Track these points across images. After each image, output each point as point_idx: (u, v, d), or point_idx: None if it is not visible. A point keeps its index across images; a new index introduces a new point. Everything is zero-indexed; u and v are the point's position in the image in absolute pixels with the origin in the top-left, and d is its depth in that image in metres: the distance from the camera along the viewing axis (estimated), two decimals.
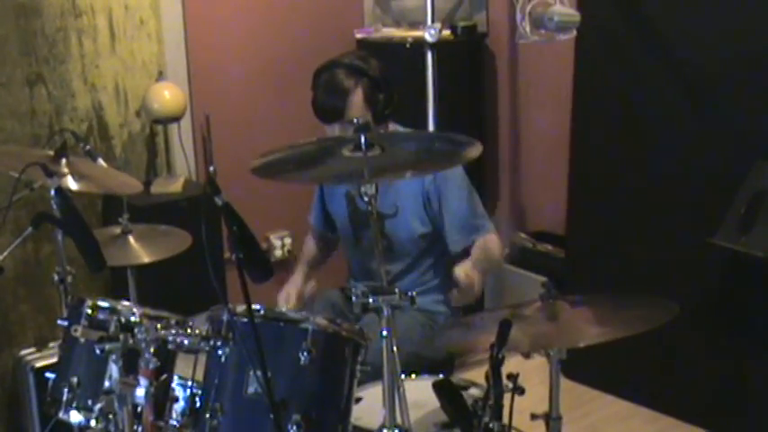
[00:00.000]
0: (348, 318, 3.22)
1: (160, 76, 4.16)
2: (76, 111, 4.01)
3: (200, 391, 2.37)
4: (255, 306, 2.20)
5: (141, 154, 4.21)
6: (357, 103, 2.96)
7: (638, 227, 4.01)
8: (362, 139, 2.12)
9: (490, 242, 3.14)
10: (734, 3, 3.61)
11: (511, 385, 2.13)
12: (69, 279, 2.82)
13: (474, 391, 2.60)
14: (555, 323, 2.31)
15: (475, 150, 2.26)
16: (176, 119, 4.07)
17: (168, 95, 4.01)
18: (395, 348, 2.09)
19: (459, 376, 2.84)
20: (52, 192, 2.52)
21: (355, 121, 2.25)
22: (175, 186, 4.11)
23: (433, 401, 2.33)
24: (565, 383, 2.36)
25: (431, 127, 4.07)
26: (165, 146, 4.23)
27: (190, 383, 2.42)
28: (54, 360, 3.38)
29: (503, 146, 4.94)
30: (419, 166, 2.38)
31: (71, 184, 2.78)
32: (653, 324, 2.20)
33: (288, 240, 4.69)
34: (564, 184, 4.31)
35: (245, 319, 2.17)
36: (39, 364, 3.72)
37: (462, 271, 2.85)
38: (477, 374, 2.33)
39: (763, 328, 3.63)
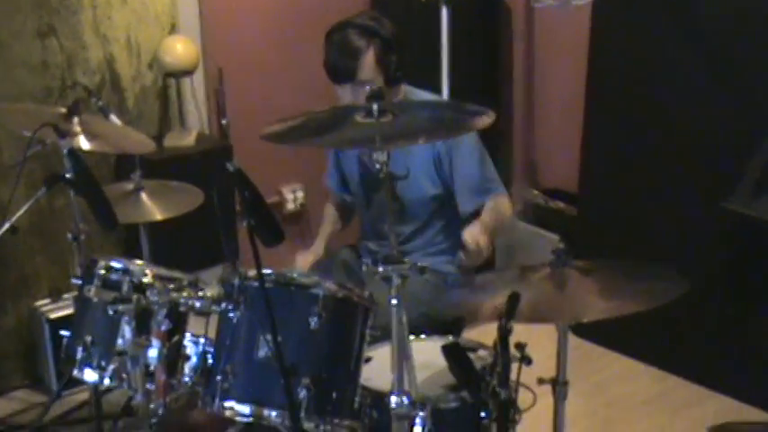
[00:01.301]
0: (359, 276, 3.26)
1: (173, 28, 4.15)
2: (88, 63, 3.99)
3: (211, 349, 2.40)
4: (266, 270, 2.22)
5: (154, 107, 4.20)
6: (369, 64, 2.95)
7: (650, 187, 4.00)
8: (375, 107, 2.11)
9: (500, 204, 3.15)
10: None
11: (519, 355, 2.14)
12: (83, 237, 2.85)
13: (482, 353, 2.61)
14: (563, 292, 2.32)
15: (487, 119, 2.24)
16: (189, 72, 4.06)
17: (181, 49, 4.00)
18: (404, 318, 2.10)
19: (468, 337, 2.85)
20: (65, 152, 2.52)
21: (368, 87, 2.24)
22: (188, 140, 4.12)
23: (441, 363, 2.34)
24: (573, 340, 2.38)
25: (445, 86, 4.06)
26: (178, 99, 4.22)
27: (202, 341, 2.46)
28: (68, 311, 3.45)
29: (517, 102, 4.91)
30: (431, 133, 2.38)
31: (83, 143, 2.79)
32: (661, 301, 2.21)
33: (300, 194, 4.69)
34: (578, 141, 4.29)
35: (256, 284, 2.20)
36: (53, 316, 3.78)
37: (470, 235, 2.86)
38: (487, 335, 2.34)
39: (766, 293, 3.64)
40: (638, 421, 3.70)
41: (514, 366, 2.17)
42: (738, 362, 3.77)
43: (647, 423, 3.69)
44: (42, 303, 3.88)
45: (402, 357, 2.13)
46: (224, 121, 4.35)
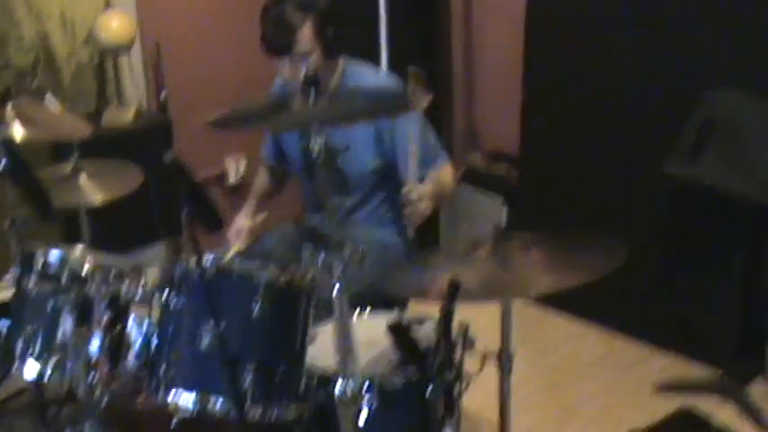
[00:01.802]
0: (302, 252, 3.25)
1: (107, 5, 4.08)
2: (22, 41, 3.93)
3: (155, 332, 2.38)
4: (207, 257, 2.21)
5: (90, 84, 4.15)
6: (306, 38, 2.93)
7: (590, 150, 4.04)
8: (312, 94, 2.10)
9: (443, 174, 3.15)
10: None
11: (462, 337, 2.16)
12: (20, 223, 2.80)
13: (429, 326, 2.62)
14: (505, 269, 2.33)
15: (424, 101, 2.23)
16: (125, 48, 4.01)
17: (116, 25, 3.95)
18: (346, 307, 2.10)
19: (414, 309, 2.86)
20: None
21: (306, 61, 2.23)
22: (126, 116, 4.08)
23: (386, 340, 2.36)
24: (516, 303, 2.39)
25: (383, 53, 4.04)
26: (115, 75, 4.17)
27: (146, 323, 2.43)
28: (7, 293, 3.40)
29: (456, 65, 4.91)
30: (368, 115, 2.37)
31: (17, 132, 2.74)
32: (603, 272, 2.23)
33: (242, 163, 4.65)
34: (518, 104, 4.30)
35: (198, 272, 2.19)
36: None
37: (410, 187, 2.87)
38: (433, 307, 2.36)
39: (707, 253, 3.70)
40: (584, 382, 3.76)
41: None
42: (682, 319, 3.84)
43: (593, 384, 3.74)
44: None
45: (346, 344, 2.13)
46: (162, 95, 4.30)
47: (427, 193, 2.92)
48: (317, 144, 2.15)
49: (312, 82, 2.17)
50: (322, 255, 2.08)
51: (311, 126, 2.15)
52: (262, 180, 3.48)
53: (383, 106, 2.36)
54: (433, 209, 3.01)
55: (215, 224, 2.22)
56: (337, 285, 2.10)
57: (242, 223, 3.26)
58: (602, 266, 2.28)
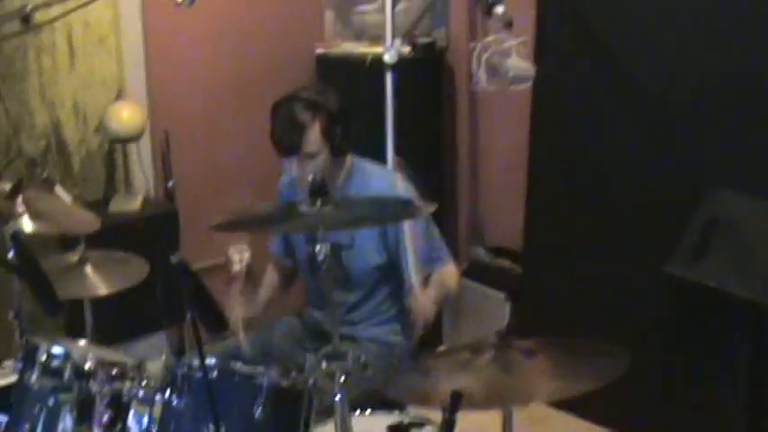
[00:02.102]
0: (305, 347, 3.27)
1: (119, 94, 4.15)
2: (34, 128, 3.99)
3: (155, 428, 2.38)
4: (210, 360, 2.23)
5: (99, 171, 4.20)
6: (314, 138, 2.97)
7: (593, 248, 4.05)
8: (318, 202, 2.14)
9: (447, 274, 3.18)
10: (687, 36, 3.64)
11: None
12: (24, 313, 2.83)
13: (429, 429, 2.62)
14: (508, 375, 2.33)
15: (429, 208, 2.27)
16: (135, 139, 4.06)
17: (126, 115, 4.00)
18: (348, 416, 2.11)
19: (415, 412, 2.85)
20: (8, 237, 2.51)
21: (311, 177, 2.27)
22: (134, 204, 4.11)
23: None
24: None
25: (389, 148, 4.07)
26: (124, 162, 4.21)
27: (146, 420, 2.43)
28: (8, 380, 3.40)
29: (462, 161, 4.96)
30: (373, 220, 2.40)
31: (27, 225, 2.77)
32: (606, 379, 2.24)
33: (246, 254, 4.67)
34: (522, 201, 4.34)
35: (200, 373, 2.20)
36: None
37: (417, 307, 2.89)
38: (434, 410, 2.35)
39: (712, 354, 3.69)
40: None
41: None
42: (685, 421, 3.81)
43: None
44: None
45: None
46: (170, 184, 4.34)
47: (431, 300, 2.95)
48: (322, 249, 2.18)
49: (319, 188, 2.20)
50: (324, 363, 2.09)
51: (317, 232, 2.18)
52: (271, 278, 3.48)
53: (389, 213, 2.39)
54: (437, 311, 3.05)
55: (219, 326, 2.24)
56: (339, 393, 2.11)
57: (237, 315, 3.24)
58: (605, 375, 2.28)
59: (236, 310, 3.21)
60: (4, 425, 2.53)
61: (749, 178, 3.50)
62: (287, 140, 2.99)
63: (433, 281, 3.08)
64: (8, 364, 3.66)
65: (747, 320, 3.48)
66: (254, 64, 4.56)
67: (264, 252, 3.58)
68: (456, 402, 2.05)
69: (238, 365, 2.35)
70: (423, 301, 2.94)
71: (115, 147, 4.19)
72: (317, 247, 2.15)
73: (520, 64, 3.23)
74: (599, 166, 3.98)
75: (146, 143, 4.26)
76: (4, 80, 3.88)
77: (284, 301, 3.58)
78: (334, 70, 4.62)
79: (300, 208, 2.26)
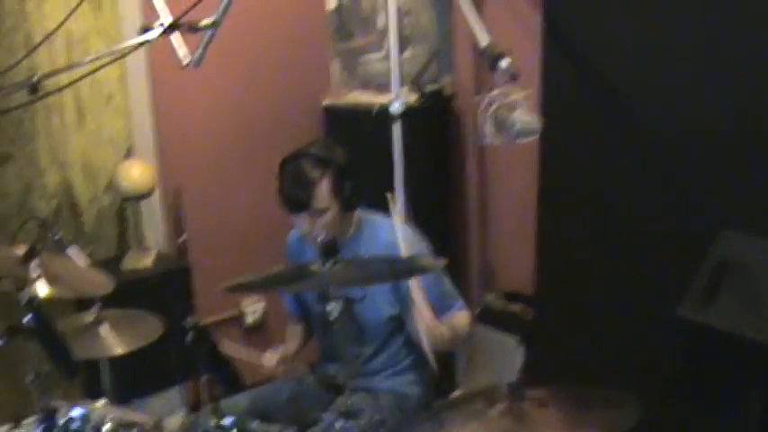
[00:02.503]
0: (320, 399, 3.28)
1: (128, 152, 4.19)
2: (45, 188, 4.04)
3: None
4: (227, 420, 2.25)
5: (111, 229, 4.24)
6: (323, 194, 2.99)
7: (605, 292, 4.06)
8: (329, 262, 2.17)
9: (458, 318, 3.18)
10: (697, 80, 3.66)
11: None
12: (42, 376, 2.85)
13: None
14: (521, 427, 2.35)
15: (439, 263, 2.29)
16: (145, 196, 4.10)
17: (137, 173, 4.05)
18: None
19: None
20: (24, 302, 2.54)
21: (320, 239, 2.29)
22: (146, 261, 4.15)
23: None
24: None
25: (398, 197, 4.11)
26: (135, 220, 4.26)
27: None
28: None
29: (471, 206, 4.98)
30: (383, 278, 2.43)
31: (42, 290, 2.80)
32: (618, 430, 2.25)
33: (260, 306, 4.71)
34: (533, 245, 4.36)
35: None
36: None
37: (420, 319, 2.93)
38: None
39: (724, 398, 3.69)
40: None
41: None
42: None
43: None
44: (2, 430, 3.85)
45: None
46: (182, 240, 4.38)
47: (435, 320, 2.96)
48: (334, 308, 2.21)
49: (330, 248, 2.23)
50: (341, 421, 2.11)
51: (328, 290, 2.21)
52: (294, 329, 3.49)
53: (400, 269, 2.42)
54: (449, 349, 3.05)
55: (235, 386, 2.26)
56: None
57: (277, 353, 3.27)
58: (617, 426, 2.30)
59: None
60: None
61: (761, 221, 3.51)
62: (296, 197, 3.01)
63: (445, 323, 3.09)
64: (28, 422, 3.70)
65: (759, 364, 3.48)
66: (262, 117, 4.61)
67: (277, 304, 3.61)
68: None
69: (255, 424, 2.37)
70: (427, 318, 2.94)
71: (126, 204, 4.23)
72: (329, 306, 2.17)
73: (526, 117, 3.25)
74: (609, 211, 3.99)
75: (156, 200, 4.30)
76: (13, 142, 3.93)
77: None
78: (342, 121, 4.68)
79: (311, 267, 2.29)
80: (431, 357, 2.99)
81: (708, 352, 3.67)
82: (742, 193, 3.59)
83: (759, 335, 3.27)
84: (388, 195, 2.96)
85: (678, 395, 3.83)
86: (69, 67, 3.42)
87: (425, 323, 2.94)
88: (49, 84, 3.33)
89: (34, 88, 3.06)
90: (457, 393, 4.77)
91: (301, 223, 3.06)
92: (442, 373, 3.23)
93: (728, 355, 3.54)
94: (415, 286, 2.94)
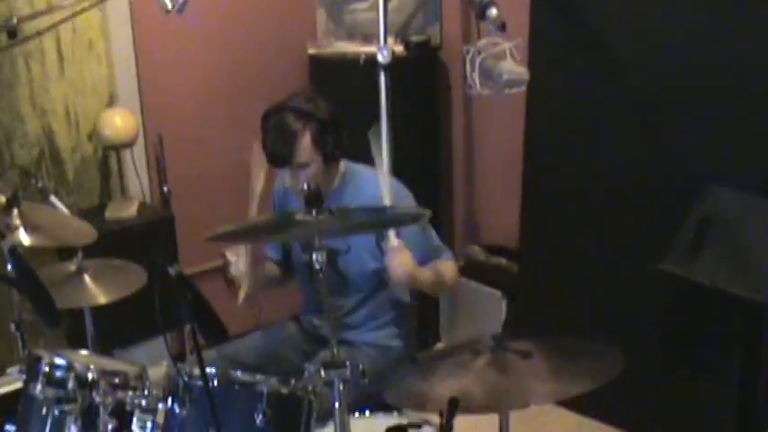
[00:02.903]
0: (305, 351, 3.29)
1: (111, 99, 4.16)
2: (27, 136, 4.00)
3: None
4: (210, 369, 2.25)
5: (94, 178, 4.21)
6: (305, 148, 2.96)
7: (589, 246, 4.08)
8: (313, 211, 2.16)
9: (444, 265, 3.16)
10: (681, 34, 3.66)
11: None
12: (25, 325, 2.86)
13: (427, 430, 2.65)
14: (505, 377, 2.35)
15: (424, 214, 2.29)
16: (128, 145, 4.07)
17: (119, 122, 4.02)
18: (347, 420, 2.14)
19: (413, 413, 2.88)
20: (6, 251, 2.52)
21: (305, 187, 2.28)
22: (130, 210, 4.12)
23: None
24: None
25: (384, 149, 4.08)
26: (119, 168, 4.22)
27: (149, 425, 2.46)
28: (13, 387, 3.43)
29: (457, 159, 4.98)
30: (368, 227, 2.42)
31: (24, 239, 2.79)
32: (601, 381, 2.28)
33: (243, 255, 4.68)
34: (518, 199, 4.36)
35: (201, 382, 2.23)
36: None
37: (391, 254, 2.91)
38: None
39: (706, 351, 3.73)
40: None
41: None
42: (680, 416, 3.85)
43: None
44: None
45: None
46: (165, 189, 4.36)
47: (410, 257, 2.94)
48: (318, 258, 2.20)
49: (314, 197, 2.22)
50: (323, 371, 2.12)
51: (313, 241, 2.20)
52: (271, 267, 3.44)
53: (385, 220, 2.41)
54: (433, 293, 3.10)
55: (219, 335, 2.26)
56: (338, 401, 2.13)
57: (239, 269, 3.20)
58: (600, 377, 2.32)
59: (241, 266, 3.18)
60: None
61: (744, 176, 3.52)
62: (279, 152, 2.98)
63: (429, 266, 3.08)
64: (12, 371, 3.71)
65: (741, 318, 3.51)
66: (247, 65, 4.57)
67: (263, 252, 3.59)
68: (453, 408, 2.07)
69: (238, 373, 2.38)
70: (399, 254, 2.92)
71: (109, 153, 4.20)
72: (314, 256, 2.17)
73: (514, 68, 3.22)
74: (594, 165, 4.00)
75: (140, 148, 4.27)
76: None
77: (283, 305, 3.59)
78: (327, 71, 4.64)
79: (296, 217, 2.28)
80: (405, 293, 2.98)
81: (691, 306, 3.70)
82: (727, 148, 3.59)
83: (742, 289, 3.29)
84: (372, 130, 2.94)
85: (661, 348, 3.86)
86: (49, 11, 3.40)
87: (395, 254, 2.90)
88: (29, 28, 3.34)
89: (13, 32, 3.03)
90: (440, 346, 4.79)
91: (285, 177, 3.04)
92: (425, 326, 3.24)
93: (711, 310, 3.57)
94: (392, 233, 2.92)
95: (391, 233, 2.91)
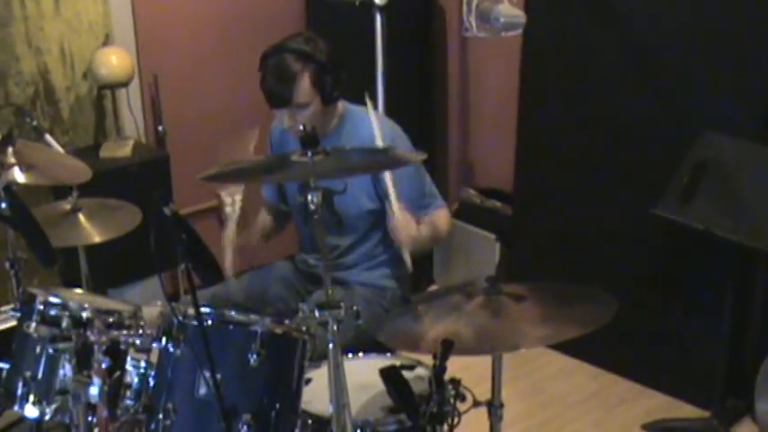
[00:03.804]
0: (299, 291, 3.31)
1: (107, 38, 4.13)
2: (22, 74, 3.98)
3: (152, 372, 2.42)
4: (204, 309, 2.26)
5: (89, 117, 4.20)
6: (304, 88, 2.95)
7: (583, 188, 4.09)
8: (309, 154, 2.16)
9: (438, 217, 3.18)
10: None
11: (453, 392, 2.21)
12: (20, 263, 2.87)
13: (420, 371, 2.67)
14: (497, 322, 2.37)
15: (419, 157, 2.29)
16: (124, 84, 4.05)
17: (115, 61, 3.99)
18: (341, 360, 2.15)
19: (406, 354, 2.90)
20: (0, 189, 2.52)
21: (301, 128, 2.28)
22: (125, 150, 4.12)
23: (380, 384, 2.40)
24: None
25: (380, 90, 4.08)
26: (114, 108, 4.20)
27: (143, 364, 2.48)
28: (7, 325, 3.45)
29: (452, 102, 4.96)
30: (364, 169, 2.42)
31: (18, 176, 2.79)
32: (593, 326, 2.29)
33: (238, 197, 4.68)
34: (513, 142, 4.36)
35: (195, 322, 2.24)
36: None
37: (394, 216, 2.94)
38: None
39: (697, 295, 3.75)
40: (573, 420, 3.80)
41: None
42: (671, 359, 3.89)
43: (581, 423, 3.79)
44: None
45: (340, 399, 2.18)
46: (160, 129, 4.35)
47: (411, 218, 2.96)
48: (314, 198, 2.20)
49: (310, 138, 2.22)
50: (317, 312, 2.13)
51: (309, 181, 2.20)
52: (263, 219, 3.48)
53: (380, 161, 2.41)
54: (428, 248, 3.05)
55: (214, 275, 2.27)
56: (332, 342, 2.15)
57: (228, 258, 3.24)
58: (593, 321, 2.34)
59: (228, 251, 3.21)
60: (6, 372, 2.57)
61: (740, 122, 3.52)
62: (278, 92, 2.97)
63: (423, 222, 3.10)
64: (6, 308, 3.72)
65: (733, 262, 3.53)
66: (243, 6, 4.53)
67: (258, 193, 3.60)
68: (446, 351, 2.09)
69: (233, 313, 2.39)
70: (401, 216, 2.94)
71: (104, 92, 4.18)
72: (309, 196, 2.17)
73: (510, 10, 3.21)
74: (589, 109, 3.99)
75: (135, 88, 4.25)
76: None
77: (277, 245, 3.59)
78: (324, 11, 4.60)
79: (292, 158, 2.27)
80: (406, 255, 3.00)
81: (684, 250, 3.72)
82: (723, 94, 3.59)
83: (734, 233, 3.31)
84: (366, 97, 2.95)
85: (654, 292, 3.89)
86: None
87: (400, 221, 2.93)
88: None
89: None
90: (434, 288, 4.82)
91: (283, 118, 3.03)
92: (419, 269, 3.25)
93: (704, 253, 3.59)
94: (390, 184, 2.93)
95: (393, 196, 2.92)
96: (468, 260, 4.68)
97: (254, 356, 2.26)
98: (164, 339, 2.33)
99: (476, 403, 2.50)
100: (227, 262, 3.19)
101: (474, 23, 3.19)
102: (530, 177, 4.34)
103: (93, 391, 2.37)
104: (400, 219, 2.94)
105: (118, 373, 2.43)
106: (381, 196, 3.15)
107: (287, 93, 2.94)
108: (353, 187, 3.15)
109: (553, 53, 4.07)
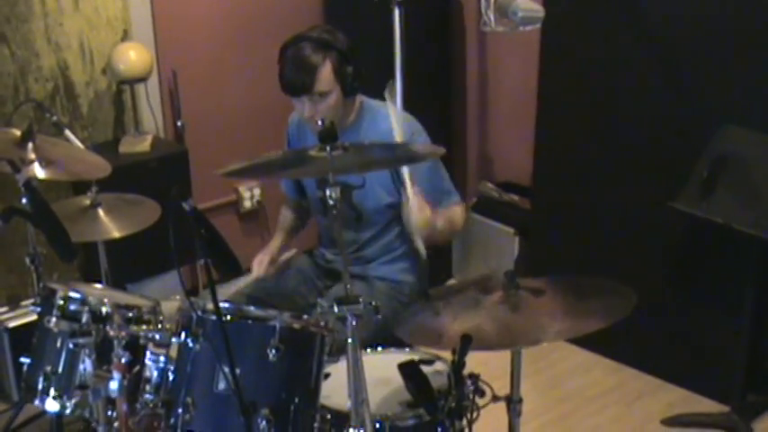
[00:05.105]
0: (317, 285, 3.31)
1: (125, 33, 4.14)
2: (41, 70, 4.00)
3: (172, 367, 2.43)
4: (224, 304, 2.26)
5: (108, 112, 4.22)
6: (326, 77, 2.94)
7: (602, 183, 4.08)
8: (328, 149, 2.16)
9: (453, 212, 3.17)
10: None
11: (473, 387, 2.21)
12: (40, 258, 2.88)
13: (439, 366, 2.67)
14: (516, 316, 2.37)
15: (438, 152, 2.28)
16: (143, 79, 4.06)
17: (134, 56, 4.00)
18: (359, 355, 2.15)
19: (425, 350, 2.90)
20: (20, 184, 2.53)
21: (320, 122, 2.28)
22: (143, 145, 4.13)
23: (398, 378, 2.41)
24: None
25: (398, 86, 4.07)
26: (133, 103, 4.22)
27: (162, 359, 2.48)
28: (28, 320, 3.46)
29: (471, 96, 4.95)
30: (382, 164, 2.42)
31: (38, 172, 2.80)
32: (612, 319, 2.29)
33: (257, 191, 4.71)
34: (531, 136, 4.35)
35: (214, 317, 2.24)
36: (12, 324, 3.74)
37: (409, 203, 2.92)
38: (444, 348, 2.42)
39: (717, 289, 3.74)
40: (592, 415, 3.79)
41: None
42: (690, 353, 3.88)
43: (601, 416, 3.78)
44: (1, 312, 3.88)
45: (359, 394, 2.19)
46: (179, 124, 4.37)
47: (427, 206, 2.95)
48: (333, 193, 2.20)
49: (329, 133, 2.22)
50: (336, 307, 2.13)
51: (328, 177, 2.20)
52: (286, 216, 3.47)
53: (399, 156, 2.41)
54: (442, 242, 3.08)
55: (233, 270, 2.27)
56: (350, 337, 2.15)
57: (265, 255, 3.25)
58: (612, 315, 2.33)
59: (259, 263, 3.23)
60: (27, 366, 2.59)
61: (760, 116, 3.50)
62: (299, 81, 2.96)
63: (439, 214, 3.08)
64: (27, 303, 3.74)
65: (753, 256, 3.51)
66: (261, 2, 4.53)
67: (277, 188, 3.60)
68: (466, 345, 2.09)
69: (251, 308, 2.39)
70: (416, 199, 2.93)
71: (123, 88, 4.20)
72: (328, 191, 2.17)
73: (529, 5, 3.20)
74: (608, 103, 3.98)
75: (153, 83, 4.26)
76: (8, 22, 3.87)
77: (296, 239, 3.60)
78: (343, 6, 4.60)
79: (310, 153, 2.27)
80: (420, 245, 2.99)
81: (704, 244, 3.71)
82: (743, 87, 3.57)
83: (754, 227, 3.30)
84: (388, 87, 2.93)
85: (673, 286, 3.87)
86: None
87: (417, 211, 2.92)
88: None
89: None
90: (452, 282, 4.82)
91: (302, 107, 3.02)
92: (437, 263, 3.23)
93: (724, 248, 3.58)
94: (407, 177, 2.92)
95: (408, 184, 2.91)
96: (486, 254, 4.67)
97: (273, 351, 2.26)
98: (183, 334, 2.34)
99: (494, 398, 2.50)
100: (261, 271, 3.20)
101: (492, 18, 3.17)
102: (548, 171, 4.33)
103: (113, 385, 2.37)
104: (414, 202, 2.92)
105: (137, 367, 2.43)
106: (399, 190, 3.15)
107: (308, 81, 2.93)
108: (372, 182, 3.15)
109: (572, 47, 4.06)
